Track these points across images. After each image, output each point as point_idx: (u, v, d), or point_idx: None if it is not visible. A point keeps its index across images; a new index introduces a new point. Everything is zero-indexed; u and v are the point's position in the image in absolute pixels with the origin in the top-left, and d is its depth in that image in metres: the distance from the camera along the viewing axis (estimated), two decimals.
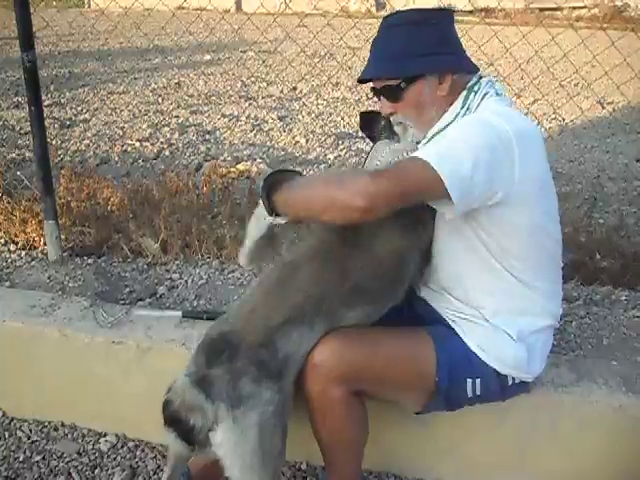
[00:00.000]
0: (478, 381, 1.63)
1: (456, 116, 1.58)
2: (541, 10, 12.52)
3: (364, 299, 1.60)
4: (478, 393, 1.64)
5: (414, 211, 1.60)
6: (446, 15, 1.62)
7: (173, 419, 1.47)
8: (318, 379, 1.55)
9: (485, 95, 1.59)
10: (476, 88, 1.60)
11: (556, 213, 1.63)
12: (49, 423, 2.19)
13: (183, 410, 1.45)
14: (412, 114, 1.61)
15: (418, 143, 1.64)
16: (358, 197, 1.30)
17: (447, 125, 1.58)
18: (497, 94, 1.60)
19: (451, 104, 1.60)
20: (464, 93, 1.60)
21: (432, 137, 1.61)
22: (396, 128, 1.67)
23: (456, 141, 1.44)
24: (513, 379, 1.67)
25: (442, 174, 1.35)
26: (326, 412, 1.59)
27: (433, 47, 1.55)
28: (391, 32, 1.58)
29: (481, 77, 1.63)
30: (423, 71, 1.57)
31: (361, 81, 1.68)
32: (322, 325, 1.54)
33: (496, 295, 1.62)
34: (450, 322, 1.67)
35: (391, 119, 1.67)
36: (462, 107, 1.58)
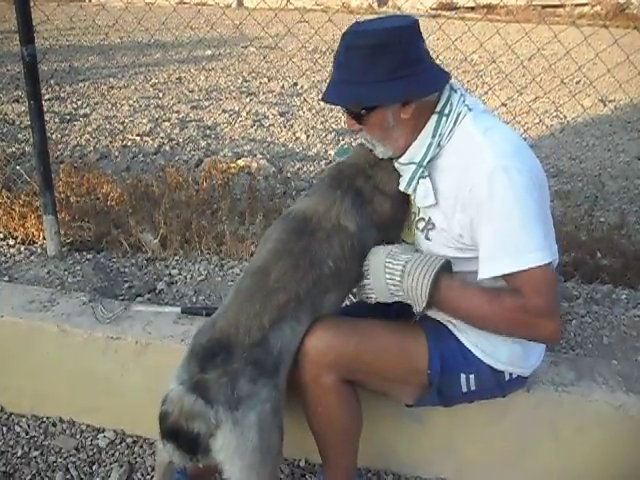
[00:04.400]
0: (472, 376, 1.63)
1: (428, 146, 1.53)
2: (543, 7, 12.52)
3: (340, 279, 1.62)
4: (473, 388, 1.64)
5: (365, 189, 1.66)
6: (410, 30, 1.50)
7: (172, 431, 1.44)
8: (309, 367, 1.57)
9: (459, 116, 1.54)
10: (447, 111, 1.54)
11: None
12: (47, 419, 2.19)
13: (183, 419, 1.41)
14: (377, 136, 1.58)
15: (391, 160, 1.63)
16: (550, 329, 1.48)
17: (423, 158, 1.54)
18: (469, 109, 1.54)
19: (421, 127, 1.55)
20: (434, 118, 1.54)
21: (406, 164, 1.58)
22: (366, 143, 1.65)
23: (522, 226, 1.43)
24: (510, 374, 1.66)
25: (548, 259, 1.44)
26: (318, 400, 1.60)
27: (393, 72, 1.46)
28: (350, 55, 1.48)
29: (452, 89, 1.57)
30: (380, 101, 1.50)
31: (323, 100, 1.61)
32: (307, 315, 1.57)
33: None
34: (443, 321, 1.66)
35: (358, 135, 1.65)
36: (433, 136, 1.53)
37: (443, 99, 1.55)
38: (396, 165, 1.65)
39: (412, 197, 1.64)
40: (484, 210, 1.45)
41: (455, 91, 1.58)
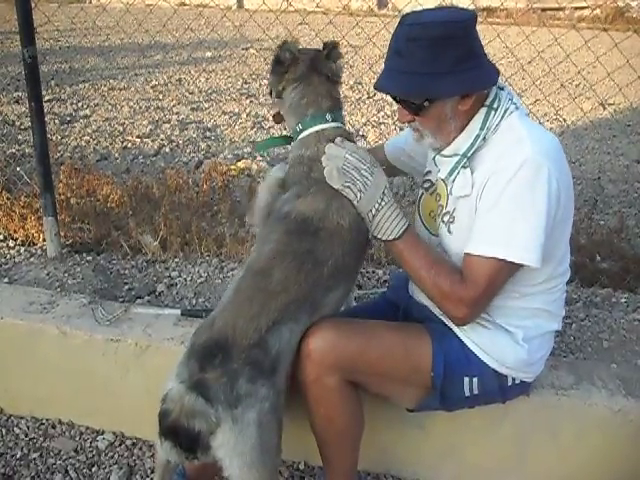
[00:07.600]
0: (475, 380, 1.63)
1: (475, 138, 1.55)
2: (543, 10, 12.54)
3: (342, 276, 1.63)
4: (476, 392, 1.64)
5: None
6: (472, 23, 1.51)
7: (172, 429, 1.45)
8: (312, 367, 1.57)
9: (506, 111, 1.55)
10: (495, 105, 1.55)
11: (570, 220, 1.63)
12: (47, 420, 2.19)
13: (184, 417, 1.43)
14: (432, 127, 1.58)
15: (435, 150, 1.64)
16: (462, 309, 1.53)
17: (469, 149, 1.55)
18: (516, 107, 1.56)
19: (470, 118, 1.56)
20: (483, 111, 1.55)
21: (449, 156, 1.60)
22: (414, 134, 1.65)
23: (517, 219, 1.45)
24: (513, 379, 1.66)
25: (523, 260, 1.47)
26: (320, 401, 1.60)
27: (459, 64, 1.47)
28: (414, 46, 1.46)
29: (499, 87, 1.59)
30: (448, 92, 1.51)
31: (378, 89, 1.60)
32: (307, 315, 1.58)
33: (506, 298, 1.60)
34: (448, 323, 1.65)
35: (408, 125, 1.64)
36: (481, 128, 1.55)
37: (492, 94, 1.57)
38: (437, 158, 1.65)
39: (446, 187, 1.64)
40: (498, 189, 1.47)
41: (502, 88, 1.59)
